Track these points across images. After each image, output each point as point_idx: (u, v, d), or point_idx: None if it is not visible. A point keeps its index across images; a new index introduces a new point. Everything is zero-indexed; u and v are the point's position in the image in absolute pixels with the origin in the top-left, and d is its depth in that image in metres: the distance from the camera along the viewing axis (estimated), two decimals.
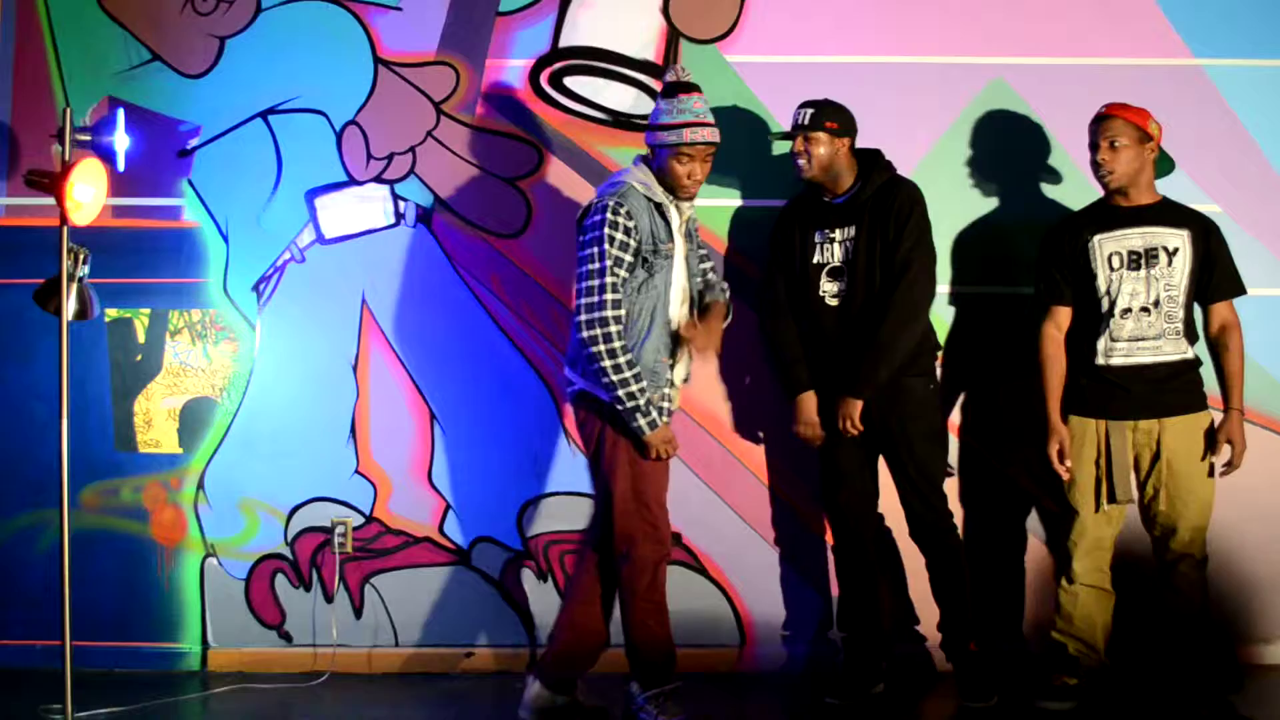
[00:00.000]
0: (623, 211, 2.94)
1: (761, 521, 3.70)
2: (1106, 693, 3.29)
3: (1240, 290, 3.25)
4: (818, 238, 3.34)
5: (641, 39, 3.72)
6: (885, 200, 3.27)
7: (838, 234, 3.31)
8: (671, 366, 3.09)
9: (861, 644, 3.43)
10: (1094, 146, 3.20)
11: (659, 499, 3.10)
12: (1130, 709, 3.29)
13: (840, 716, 3.32)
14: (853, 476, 3.37)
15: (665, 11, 3.71)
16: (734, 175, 3.66)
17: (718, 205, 3.68)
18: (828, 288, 3.32)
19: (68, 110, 3.36)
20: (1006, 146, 3.68)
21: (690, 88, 3.05)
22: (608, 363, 2.91)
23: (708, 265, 3.32)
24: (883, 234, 3.25)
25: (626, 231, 2.94)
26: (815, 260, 3.34)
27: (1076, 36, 3.67)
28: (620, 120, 3.70)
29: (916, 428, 3.30)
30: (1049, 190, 3.67)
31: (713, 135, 3.03)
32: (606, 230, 2.92)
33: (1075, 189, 3.58)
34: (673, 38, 3.71)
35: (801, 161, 3.27)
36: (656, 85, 3.66)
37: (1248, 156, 3.66)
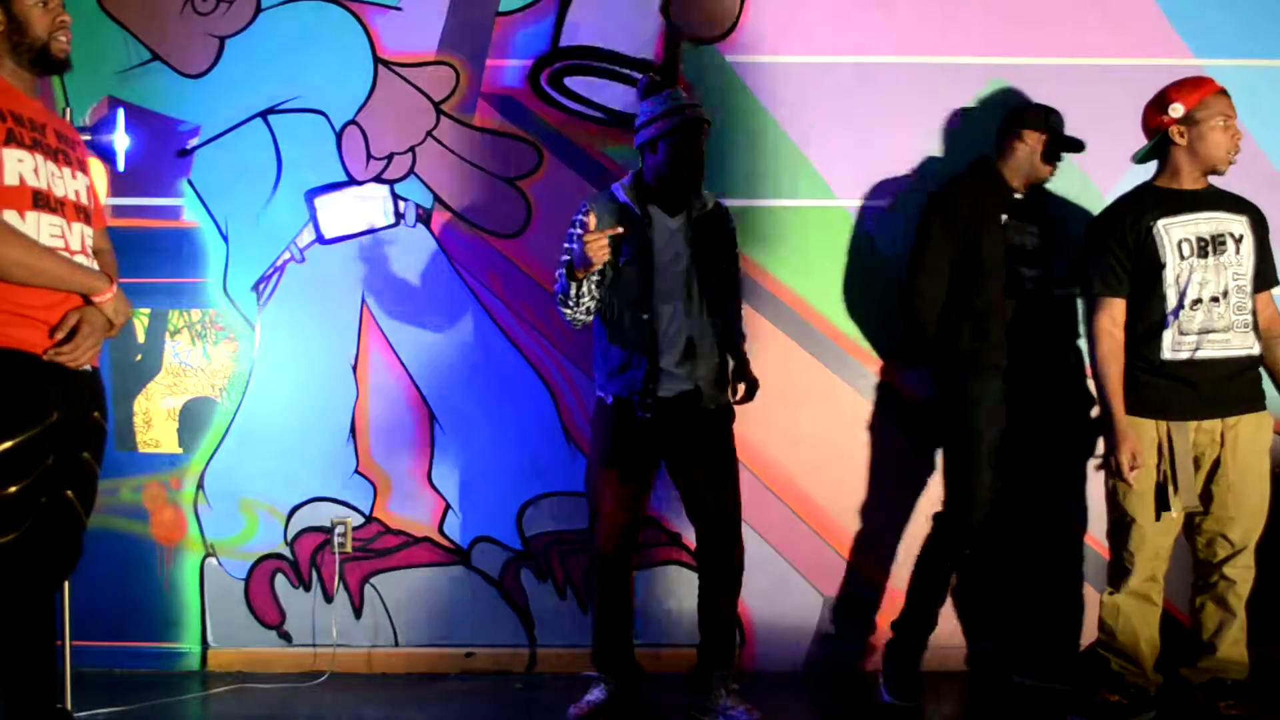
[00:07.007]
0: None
1: (762, 521, 3.70)
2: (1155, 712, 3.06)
3: (1277, 281, 3.10)
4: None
5: (641, 39, 3.72)
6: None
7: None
8: (649, 360, 3.06)
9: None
10: (1223, 123, 3.00)
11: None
12: None
13: (841, 717, 3.32)
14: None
15: (665, 11, 3.71)
16: (733, 174, 3.66)
17: None
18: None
19: (67, 110, 3.38)
20: None
21: (670, 83, 3.16)
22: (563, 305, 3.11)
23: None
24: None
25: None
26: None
27: (1076, 36, 3.67)
28: (620, 120, 3.69)
29: (955, 423, 3.32)
30: (1047, 189, 3.66)
31: (706, 114, 3.11)
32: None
33: (1074, 188, 3.58)
34: (673, 38, 3.71)
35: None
36: None
37: (1248, 156, 3.65)
